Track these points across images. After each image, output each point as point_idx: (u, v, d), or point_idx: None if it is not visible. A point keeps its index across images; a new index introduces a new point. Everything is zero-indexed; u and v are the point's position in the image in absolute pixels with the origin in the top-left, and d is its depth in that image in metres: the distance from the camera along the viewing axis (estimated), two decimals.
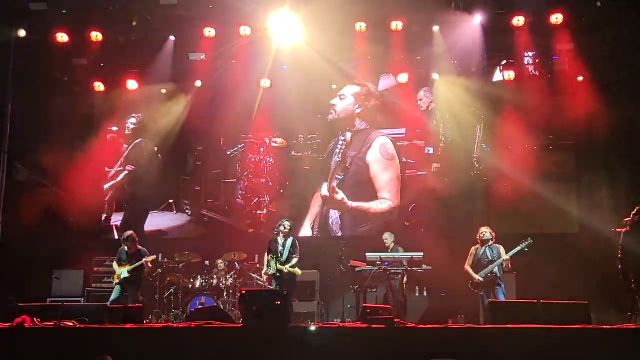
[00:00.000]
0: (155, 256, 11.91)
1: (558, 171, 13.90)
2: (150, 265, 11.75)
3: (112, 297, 11.44)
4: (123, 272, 11.53)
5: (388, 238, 12.63)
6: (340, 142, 14.62)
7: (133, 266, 11.50)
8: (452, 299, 12.25)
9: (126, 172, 15.02)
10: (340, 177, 14.59)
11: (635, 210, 9.62)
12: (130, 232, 11.92)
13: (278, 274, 11.33)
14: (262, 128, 14.83)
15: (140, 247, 11.76)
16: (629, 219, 9.77)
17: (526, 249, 11.09)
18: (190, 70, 14.39)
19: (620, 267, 9.49)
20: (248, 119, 14.66)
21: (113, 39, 13.57)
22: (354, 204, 14.44)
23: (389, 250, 12.37)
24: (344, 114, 14.75)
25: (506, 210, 13.33)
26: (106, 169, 15.04)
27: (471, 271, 11.27)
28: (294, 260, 11.47)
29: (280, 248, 11.51)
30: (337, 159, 14.61)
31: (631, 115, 12.69)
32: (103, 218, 14.98)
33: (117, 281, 11.59)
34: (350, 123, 14.72)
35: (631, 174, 13.01)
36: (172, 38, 13.78)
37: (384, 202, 14.38)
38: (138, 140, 15.07)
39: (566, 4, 12.50)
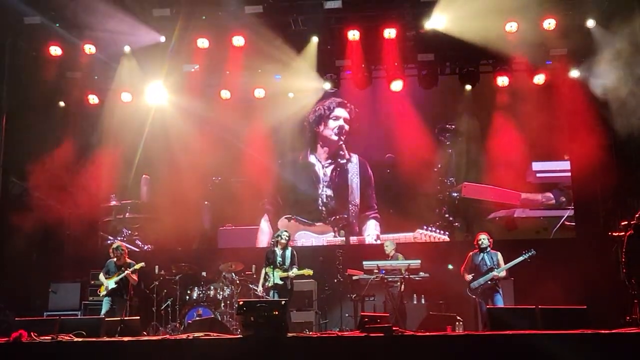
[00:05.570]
0: (142, 263, 11.79)
1: None
2: (135, 277, 11.58)
3: (103, 310, 11.36)
4: (110, 283, 11.42)
5: (389, 245, 12.60)
6: None
7: (120, 276, 11.41)
8: (450, 306, 12.25)
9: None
10: None
11: (639, 213, 9.35)
12: (119, 243, 11.86)
13: (281, 282, 11.29)
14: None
15: (129, 259, 11.70)
16: (626, 222, 9.73)
17: (528, 260, 11.08)
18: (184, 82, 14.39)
19: (624, 271, 9.36)
20: None
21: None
22: None
23: (389, 258, 12.35)
24: None
25: None
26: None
27: (466, 274, 11.33)
28: (295, 269, 11.44)
29: (279, 259, 11.48)
30: None
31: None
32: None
33: (103, 293, 11.50)
34: None
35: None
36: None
37: None
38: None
39: (559, 10, 12.54)
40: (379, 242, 14.25)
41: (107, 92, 14.48)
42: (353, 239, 14.61)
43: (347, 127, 14.97)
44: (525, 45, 12.81)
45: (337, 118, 15.03)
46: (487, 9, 11.84)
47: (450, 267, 12.77)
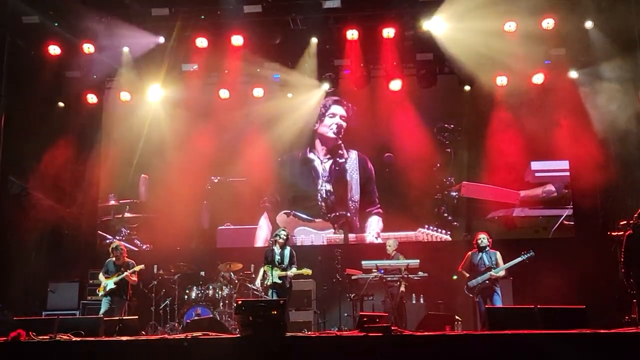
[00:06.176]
0: (142, 265, 11.79)
1: None
2: (134, 279, 11.59)
3: (102, 310, 11.36)
4: (109, 283, 11.41)
5: (391, 245, 12.56)
6: None
7: (119, 277, 11.40)
8: (449, 306, 12.25)
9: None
10: None
11: (638, 213, 9.32)
12: (117, 243, 11.86)
13: (279, 281, 11.29)
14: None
15: (128, 259, 11.68)
16: (625, 222, 9.72)
17: (527, 261, 11.08)
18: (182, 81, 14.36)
19: (623, 271, 9.34)
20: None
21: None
22: None
23: (390, 257, 12.33)
24: None
25: None
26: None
27: (464, 272, 11.35)
28: (294, 268, 11.44)
29: (278, 257, 11.48)
30: None
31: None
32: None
33: (102, 293, 11.48)
34: None
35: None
36: None
37: None
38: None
39: (558, 10, 12.53)
40: (379, 240, 14.26)
41: (106, 91, 14.49)
42: (352, 237, 14.59)
43: (344, 124, 14.97)
44: (524, 45, 12.81)
45: (333, 115, 15.03)
46: (486, 10, 11.87)
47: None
